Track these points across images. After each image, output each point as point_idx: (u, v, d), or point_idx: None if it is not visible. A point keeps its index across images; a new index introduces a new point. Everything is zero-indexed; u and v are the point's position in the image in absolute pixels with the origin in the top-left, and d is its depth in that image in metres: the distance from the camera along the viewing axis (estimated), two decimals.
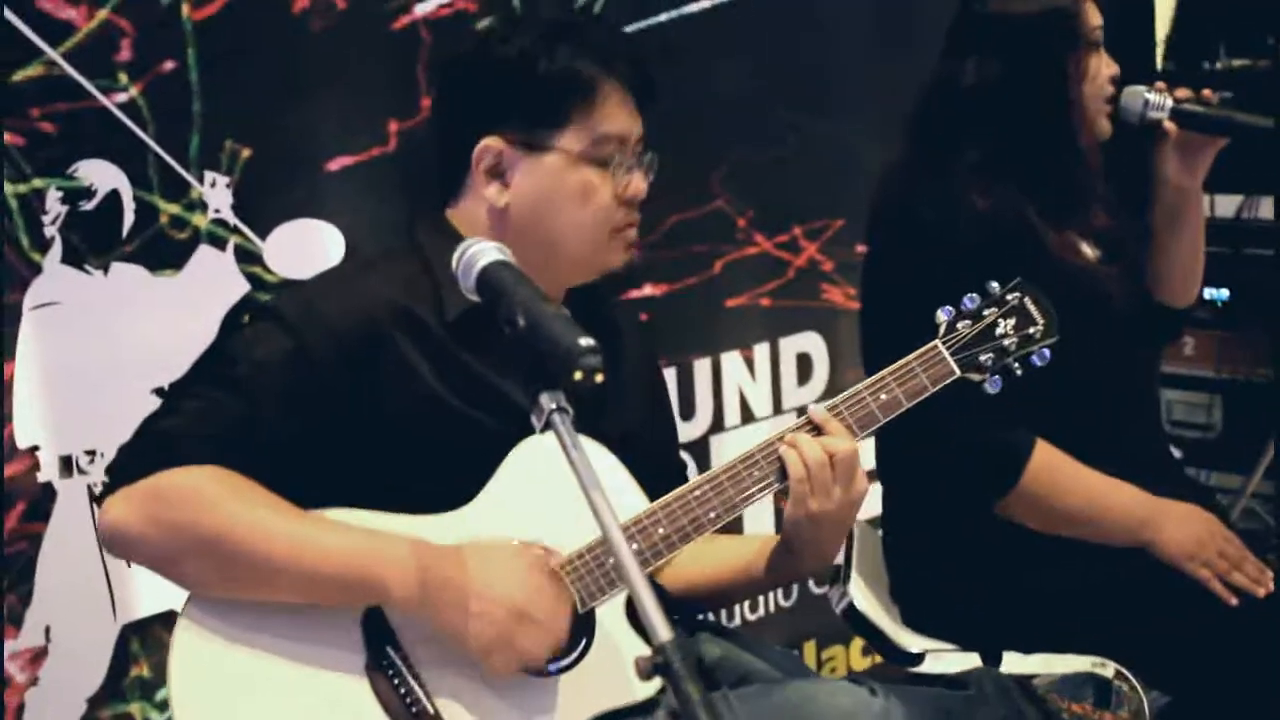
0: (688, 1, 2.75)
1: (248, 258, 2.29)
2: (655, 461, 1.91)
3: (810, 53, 2.95)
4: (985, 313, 1.88)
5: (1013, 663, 2.29)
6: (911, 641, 2.36)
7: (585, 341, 1.41)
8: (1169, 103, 2.30)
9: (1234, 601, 2.20)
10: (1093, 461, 2.29)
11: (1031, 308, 1.90)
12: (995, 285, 1.91)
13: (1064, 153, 2.31)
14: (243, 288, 2.29)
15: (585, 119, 1.80)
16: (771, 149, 2.90)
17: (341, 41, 2.32)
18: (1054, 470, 2.25)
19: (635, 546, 1.71)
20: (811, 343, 3.07)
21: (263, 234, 2.30)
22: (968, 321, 1.88)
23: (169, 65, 2.20)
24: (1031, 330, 1.89)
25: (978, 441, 2.20)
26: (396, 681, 1.67)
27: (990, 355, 1.87)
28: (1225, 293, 2.47)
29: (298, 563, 1.66)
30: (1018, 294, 1.90)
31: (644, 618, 1.22)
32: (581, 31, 1.85)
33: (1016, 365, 1.88)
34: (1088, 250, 2.33)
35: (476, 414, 1.77)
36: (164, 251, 2.23)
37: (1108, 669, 2.27)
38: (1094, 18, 2.30)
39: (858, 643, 3.20)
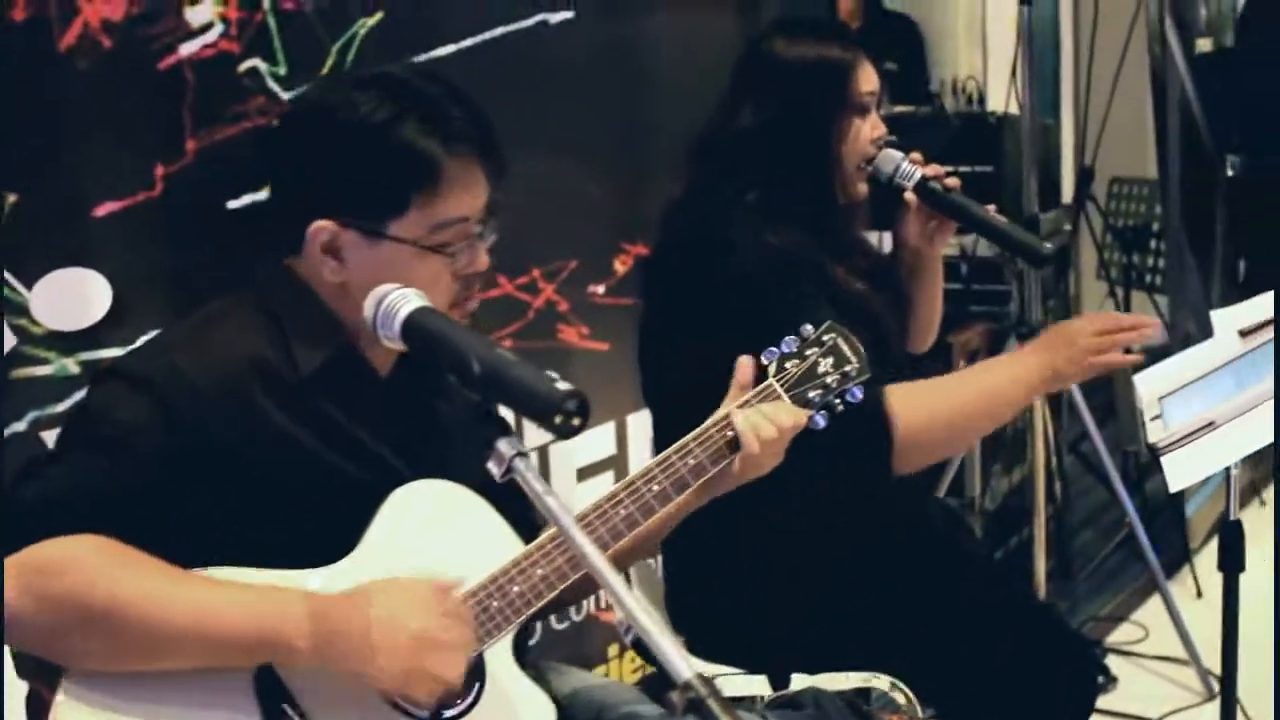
0: (432, 47, 2.75)
1: (14, 309, 2.15)
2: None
3: (540, 96, 2.99)
4: (808, 353, 1.99)
5: (799, 682, 2.38)
6: (701, 669, 2.42)
7: (564, 386, 1.40)
8: (917, 175, 2.44)
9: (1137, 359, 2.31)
10: None
11: (845, 348, 2.01)
12: (809, 328, 2.01)
13: (820, 202, 2.42)
14: (9, 342, 2.15)
15: (426, 204, 1.73)
16: (511, 192, 2.92)
17: (108, 81, 2.21)
18: (915, 397, 2.29)
19: (517, 589, 1.72)
20: None
21: (28, 284, 2.17)
22: (795, 361, 1.97)
23: None
24: (848, 369, 2.00)
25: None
26: None
27: (818, 392, 1.98)
28: None
29: (193, 628, 1.59)
30: (831, 335, 2.01)
31: (662, 658, 1.22)
32: (425, 102, 1.74)
33: (838, 401, 1.98)
34: (858, 284, 2.46)
35: (345, 466, 1.74)
36: None
37: (884, 683, 2.40)
38: (866, 83, 2.42)
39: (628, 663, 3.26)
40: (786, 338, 2.00)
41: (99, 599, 1.57)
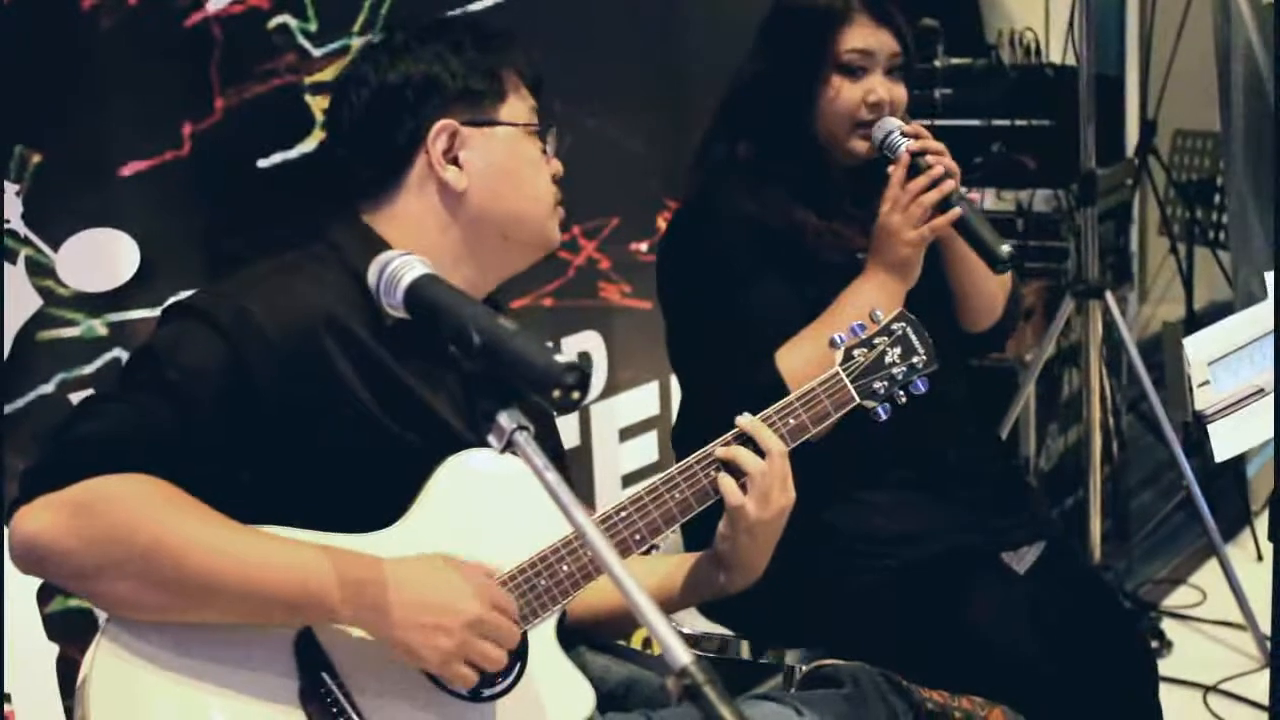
0: (468, 2, 2.71)
1: (40, 270, 2.15)
2: None
3: (581, 49, 2.95)
4: (876, 341, 1.95)
5: (793, 658, 2.34)
6: (703, 625, 2.40)
7: (563, 359, 1.36)
8: (901, 148, 2.26)
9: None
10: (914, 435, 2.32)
11: (913, 338, 1.97)
12: (880, 313, 1.96)
13: (804, 162, 2.34)
14: (35, 303, 2.14)
15: (515, 92, 1.85)
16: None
17: (132, 39, 2.19)
18: (800, 354, 2.20)
19: (566, 569, 1.69)
20: (591, 341, 3.08)
21: (55, 245, 2.16)
22: (863, 350, 1.93)
23: None
24: (915, 360, 1.96)
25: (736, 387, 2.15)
26: (334, 709, 1.60)
27: (883, 383, 1.94)
28: None
29: (240, 580, 1.56)
30: (901, 324, 1.97)
31: (660, 641, 1.19)
32: (476, 26, 1.88)
33: (901, 393, 1.95)
34: (860, 239, 2.35)
35: (405, 431, 1.71)
36: None
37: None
38: (855, 40, 2.28)
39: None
40: (854, 323, 1.96)
41: (142, 539, 1.54)
